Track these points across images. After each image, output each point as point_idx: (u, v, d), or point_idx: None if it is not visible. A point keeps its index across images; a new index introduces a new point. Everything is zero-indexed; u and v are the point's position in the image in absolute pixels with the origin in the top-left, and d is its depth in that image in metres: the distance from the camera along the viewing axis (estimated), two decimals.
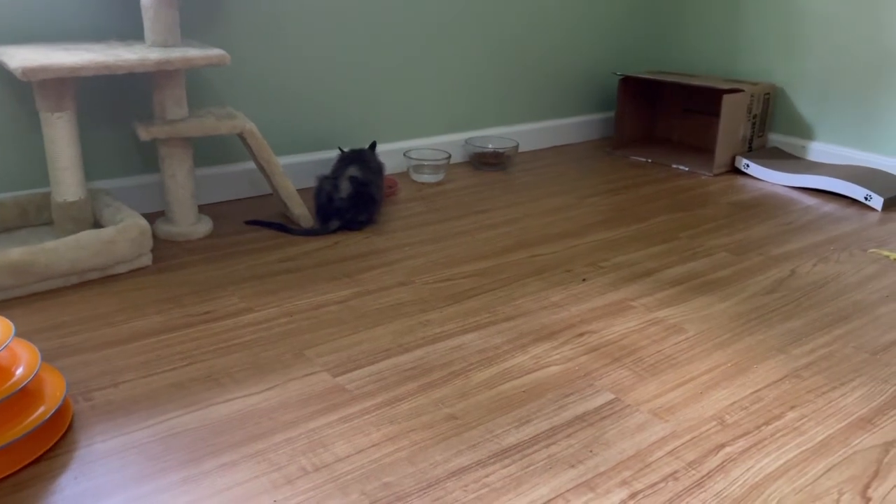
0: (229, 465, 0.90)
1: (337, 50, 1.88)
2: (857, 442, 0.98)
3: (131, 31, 1.58)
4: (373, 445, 0.94)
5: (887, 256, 1.59)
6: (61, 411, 0.96)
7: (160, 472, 0.88)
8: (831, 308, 1.35)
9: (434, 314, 1.28)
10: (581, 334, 1.23)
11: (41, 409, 0.92)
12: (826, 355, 1.19)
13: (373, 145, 1.80)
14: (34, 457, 0.89)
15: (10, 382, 0.90)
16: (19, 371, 0.93)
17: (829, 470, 0.92)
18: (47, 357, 1.11)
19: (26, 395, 0.94)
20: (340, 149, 1.83)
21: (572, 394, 1.06)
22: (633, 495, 0.87)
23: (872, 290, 1.42)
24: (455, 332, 1.22)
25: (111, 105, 1.61)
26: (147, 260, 1.43)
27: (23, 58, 1.29)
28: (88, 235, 1.33)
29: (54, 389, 0.96)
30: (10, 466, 0.87)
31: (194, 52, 1.41)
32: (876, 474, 0.92)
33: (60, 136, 1.37)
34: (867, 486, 0.90)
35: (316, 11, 1.82)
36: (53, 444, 0.92)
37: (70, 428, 0.95)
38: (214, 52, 1.43)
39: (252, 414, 0.99)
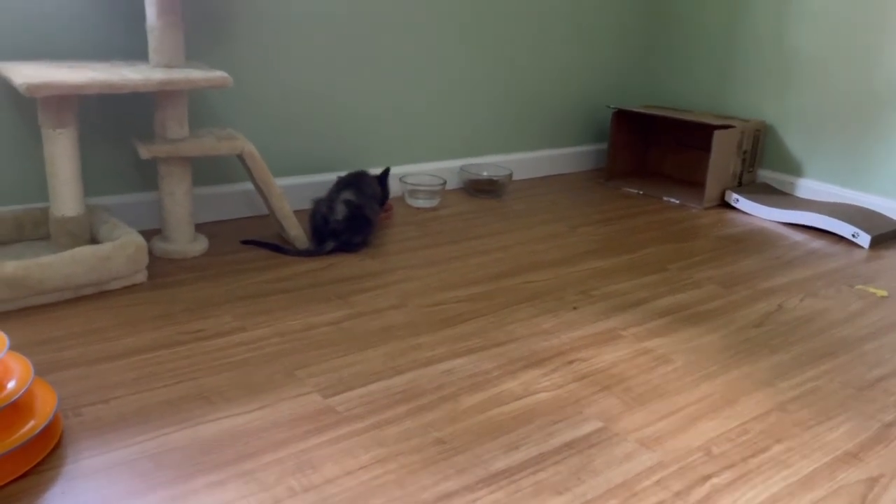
0: (217, 483, 0.90)
1: (337, 75, 1.91)
2: (842, 476, 0.99)
3: (137, 52, 1.60)
4: (361, 468, 0.94)
5: (874, 293, 1.61)
6: (51, 426, 0.96)
7: (148, 490, 0.88)
8: (818, 343, 1.37)
9: (426, 338, 1.29)
10: (571, 362, 1.24)
11: (31, 424, 0.92)
12: (813, 390, 1.20)
13: (385, 172, 1.84)
14: (22, 471, 0.89)
15: (1, 396, 0.90)
16: (11, 384, 0.93)
17: None
18: (39, 371, 1.11)
19: (17, 408, 0.94)
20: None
21: (561, 421, 1.07)
22: None
23: (859, 327, 1.44)
24: (446, 357, 1.23)
25: (112, 123, 1.62)
26: (142, 277, 1.43)
27: (27, 74, 1.31)
28: (84, 251, 1.34)
29: (45, 404, 0.97)
30: None
31: (197, 74, 1.44)
32: None
33: (61, 152, 1.38)
34: None
35: (317, 37, 1.85)
36: (42, 459, 0.92)
37: (59, 443, 0.95)
38: (217, 74, 1.45)
39: (242, 433, 1.00)
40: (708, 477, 0.97)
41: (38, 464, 0.91)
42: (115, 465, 0.92)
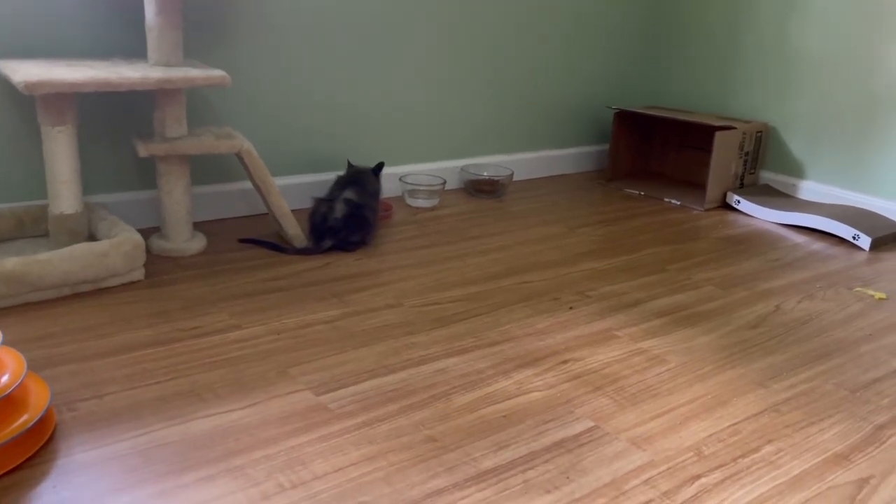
0: (207, 479, 0.90)
1: (337, 75, 1.91)
2: (832, 477, 0.99)
3: (136, 50, 1.61)
4: (351, 465, 0.95)
5: (872, 296, 1.61)
6: (44, 420, 0.97)
7: (138, 484, 0.89)
8: (814, 345, 1.36)
9: (420, 337, 1.30)
10: (565, 362, 1.24)
11: (24, 418, 0.93)
12: (806, 391, 1.20)
13: (379, 166, 1.83)
14: (14, 464, 0.90)
15: None
16: (4, 378, 0.94)
17: None
18: (35, 366, 1.12)
19: (10, 403, 0.95)
20: (349, 161, 1.87)
21: (552, 420, 1.07)
22: None
23: (856, 329, 1.44)
24: (440, 356, 1.24)
25: (111, 121, 1.64)
26: (139, 274, 1.44)
27: (26, 72, 1.32)
28: (82, 248, 1.35)
29: (38, 399, 0.97)
30: None
31: (196, 73, 1.44)
32: None
33: (60, 150, 1.39)
34: None
35: (317, 37, 1.85)
36: (34, 452, 0.93)
37: (52, 437, 0.96)
38: (216, 73, 1.46)
39: (232, 429, 1.00)
40: (697, 477, 0.97)
41: (31, 457, 0.92)
42: (107, 459, 0.93)
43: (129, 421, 1.01)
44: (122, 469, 0.91)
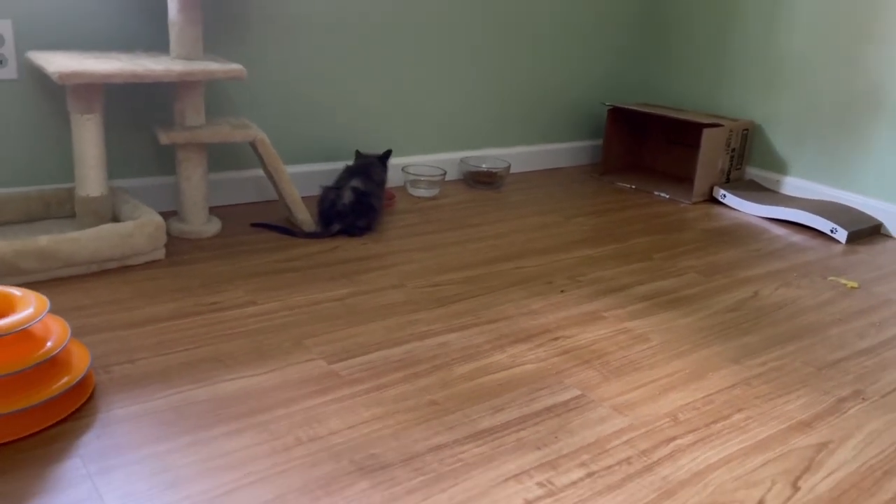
0: (234, 432, 1.01)
1: (345, 71, 2.01)
2: (794, 441, 1.10)
3: (156, 44, 1.71)
4: (362, 423, 1.06)
5: (845, 284, 1.72)
6: (85, 380, 1.08)
7: (173, 435, 0.99)
8: (787, 327, 1.47)
9: (423, 314, 1.40)
10: (555, 338, 1.35)
11: (67, 377, 1.04)
12: (776, 368, 1.31)
13: (387, 154, 1.93)
14: (61, 417, 1.00)
15: (42, 350, 1.01)
16: (50, 342, 1.04)
17: (765, 463, 1.04)
18: None
19: (55, 363, 1.05)
20: (358, 151, 1.97)
21: (543, 388, 1.18)
22: (589, 474, 0.98)
23: (827, 314, 1.55)
24: (441, 332, 1.34)
25: (134, 111, 1.73)
26: (161, 254, 1.54)
27: (59, 63, 1.41)
28: (109, 228, 1.45)
29: (79, 361, 1.08)
30: (39, 423, 0.98)
31: (215, 66, 1.54)
32: (808, 469, 1.04)
33: (88, 137, 1.49)
34: (798, 478, 1.02)
35: (326, 34, 1.95)
36: (77, 408, 1.03)
37: (91, 396, 1.06)
38: (233, 66, 1.56)
39: (255, 391, 1.11)
40: (672, 439, 1.08)
41: (75, 412, 1.02)
42: (142, 414, 1.03)
43: (160, 382, 1.11)
44: (158, 422, 1.02)
